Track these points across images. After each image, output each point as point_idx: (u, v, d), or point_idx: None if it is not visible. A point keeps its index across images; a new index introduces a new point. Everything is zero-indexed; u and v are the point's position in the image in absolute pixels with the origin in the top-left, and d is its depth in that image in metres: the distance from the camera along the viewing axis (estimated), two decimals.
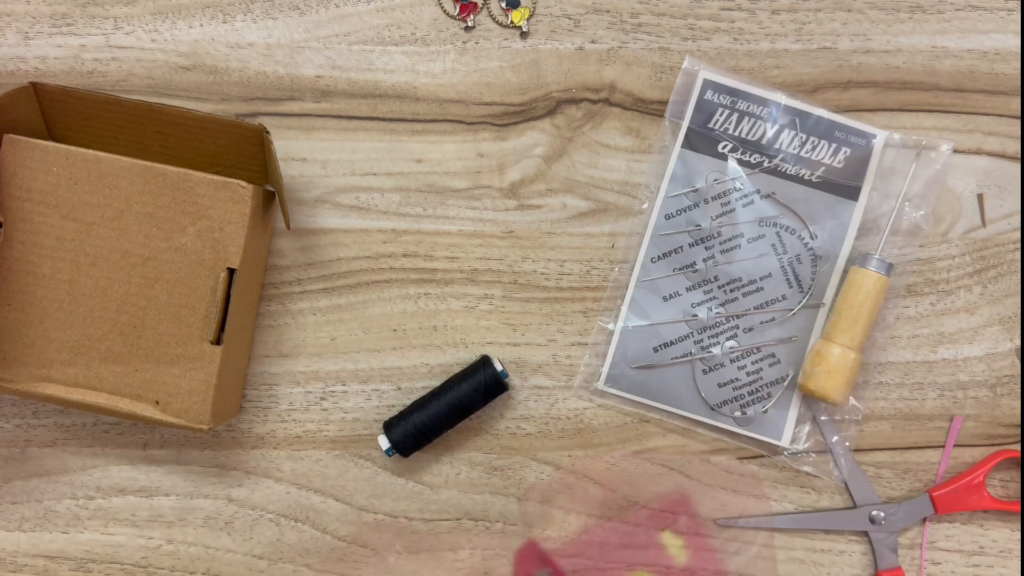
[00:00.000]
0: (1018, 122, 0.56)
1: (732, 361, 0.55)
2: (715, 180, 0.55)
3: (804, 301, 0.55)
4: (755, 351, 0.55)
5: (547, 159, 0.56)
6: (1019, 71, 0.56)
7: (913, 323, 0.56)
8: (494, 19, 0.56)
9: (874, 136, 0.55)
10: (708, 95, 0.55)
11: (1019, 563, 0.55)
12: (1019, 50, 0.56)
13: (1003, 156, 0.56)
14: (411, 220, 0.56)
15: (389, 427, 0.54)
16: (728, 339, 0.55)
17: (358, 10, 0.56)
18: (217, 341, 0.50)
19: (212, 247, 0.49)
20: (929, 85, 0.56)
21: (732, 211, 0.55)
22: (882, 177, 0.55)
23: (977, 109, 0.56)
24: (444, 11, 0.56)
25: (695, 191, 0.55)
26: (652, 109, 0.56)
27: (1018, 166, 0.56)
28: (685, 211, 0.55)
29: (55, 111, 0.52)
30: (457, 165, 0.56)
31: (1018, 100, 0.56)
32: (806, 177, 0.55)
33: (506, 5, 0.56)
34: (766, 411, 0.55)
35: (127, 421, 0.56)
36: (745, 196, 0.55)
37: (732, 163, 0.55)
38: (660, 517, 0.22)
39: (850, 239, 0.55)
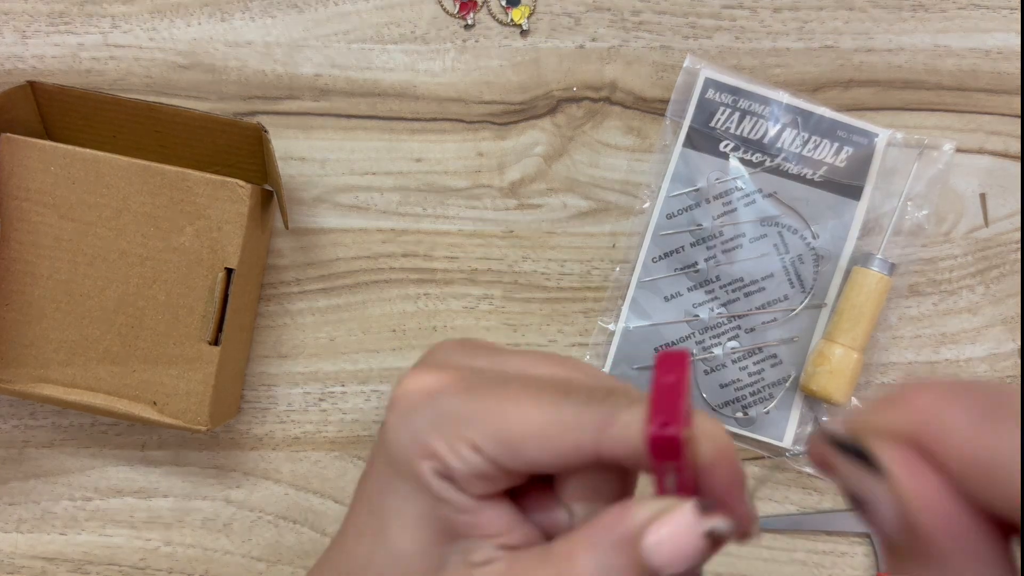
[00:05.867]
0: (1021, 121, 0.55)
1: (734, 362, 0.55)
2: (717, 179, 0.55)
3: (806, 301, 0.55)
4: (757, 351, 0.55)
5: (547, 158, 0.55)
6: (1022, 70, 0.55)
7: (915, 323, 0.55)
8: (494, 17, 0.55)
9: (876, 135, 0.54)
10: (709, 94, 0.55)
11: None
12: (1021, 49, 0.55)
13: (1006, 155, 0.56)
14: (411, 220, 0.55)
15: None
16: (730, 340, 0.55)
17: (357, 8, 0.55)
18: (215, 342, 0.49)
19: (210, 247, 0.49)
20: (931, 84, 0.55)
21: (734, 211, 0.55)
22: (884, 176, 0.55)
23: (980, 108, 0.55)
24: (444, 9, 0.55)
25: (696, 190, 0.55)
26: (653, 108, 0.55)
27: (1021, 165, 0.56)
28: (686, 211, 0.55)
29: (53, 110, 0.52)
30: (457, 164, 0.55)
31: (1021, 99, 0.55)
32: (808, 176, 0.54)
33: (506, 3, 0.55)
34: (768, 412, 0.54)
35: (125, 422, 0.55)
36: (747, 195, 0.55)
37: (734, 162, 0.55)
38: None
39: (852, 239, 0.54)
